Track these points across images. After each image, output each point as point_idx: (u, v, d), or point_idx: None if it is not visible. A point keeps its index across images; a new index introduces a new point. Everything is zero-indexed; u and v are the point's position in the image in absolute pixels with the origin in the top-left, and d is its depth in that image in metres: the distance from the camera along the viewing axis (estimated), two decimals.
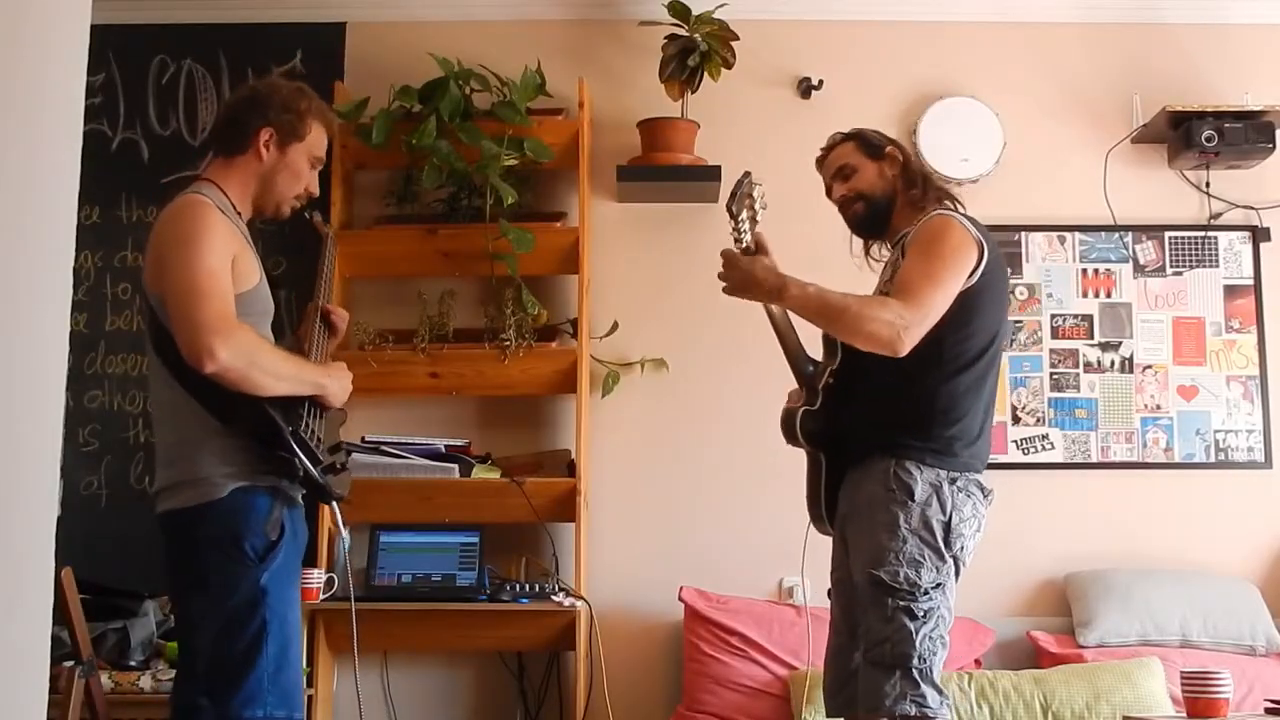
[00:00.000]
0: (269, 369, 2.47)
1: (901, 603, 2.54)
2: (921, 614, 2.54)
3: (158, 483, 2.56)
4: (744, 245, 2.69)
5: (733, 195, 2.67)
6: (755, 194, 2.68)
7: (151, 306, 2.54)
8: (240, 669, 2.43)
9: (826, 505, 2.79)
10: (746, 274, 2.66)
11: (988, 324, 2.70)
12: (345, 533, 2.64)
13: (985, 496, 2.68)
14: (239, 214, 2.65)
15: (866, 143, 2.90)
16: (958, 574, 2.63)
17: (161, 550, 2.54)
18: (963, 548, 2.62)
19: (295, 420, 2.52)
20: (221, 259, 2.48)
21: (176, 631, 2.64)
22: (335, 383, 2.64)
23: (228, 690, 2.43)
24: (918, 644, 2.53)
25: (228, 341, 2.39)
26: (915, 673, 2.52)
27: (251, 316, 2.54)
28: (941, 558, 2.58)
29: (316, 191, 2.76)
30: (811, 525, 2.88)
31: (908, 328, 2.54)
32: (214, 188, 2.62)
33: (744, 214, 2.67)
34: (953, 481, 2.62)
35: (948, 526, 2.59)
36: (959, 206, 2.82)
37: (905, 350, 2.55)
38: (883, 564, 2.57)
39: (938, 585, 2.57)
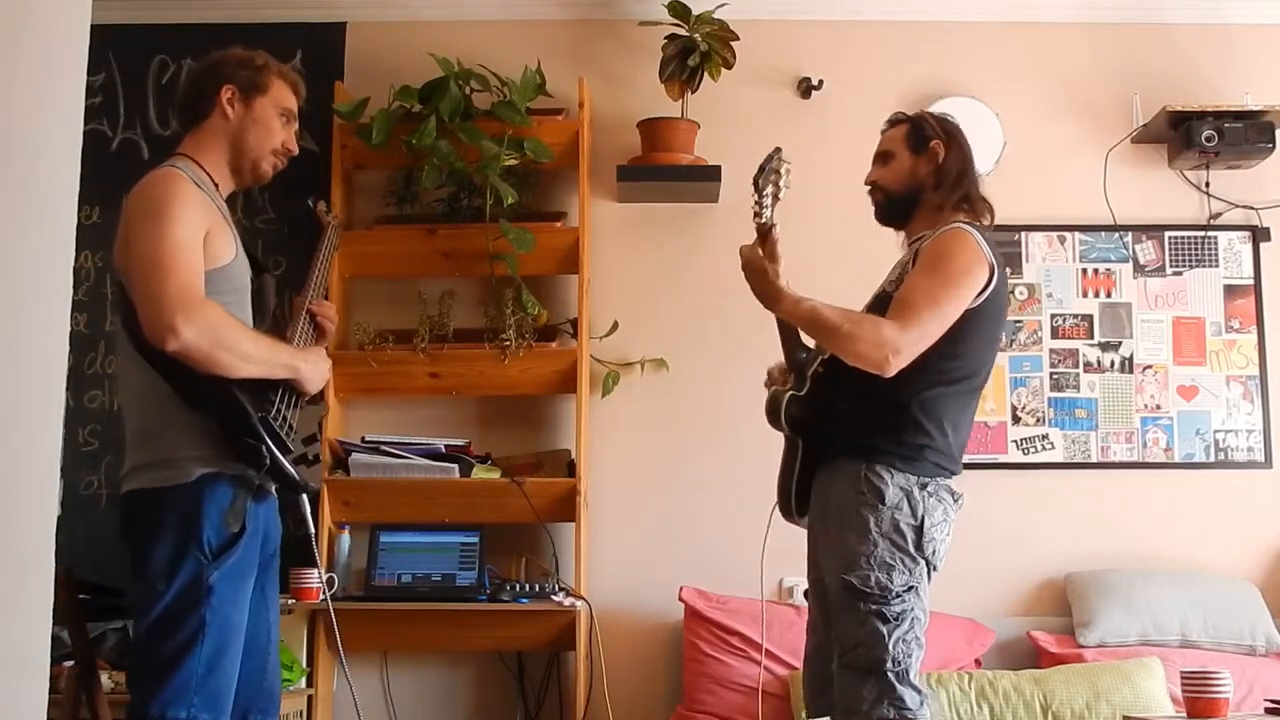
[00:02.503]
0: (236, 349, 2.38)
1: (874, 606, 2.55)
2: (894, 617, 2.54)
3: (125, 467, 2.47)
4: (763, 221, 2.67)
5: (761, 169, 2.65)
6: (782, 170, 2.67)
7: (121, 285, 2.46)
8: (169, 665, 2.33)
9: (797, 495, 2.78)
10: (751, 272, 2.66)
11: (980, 349, 2.69)
12: (312, 526, 2.58)
13: (955, 501, 2.68)
14: (217, 187, 2.58)
15: (917, 134, 2.84)
16: (930, 576, 2.63)
17: (117, 532, 2.44)
18: (934, 551, 2.61)
19: (265, 406, 2.43)
20: (190, 233, 2.40)
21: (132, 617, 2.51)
22: (310, 367, 2.55)
23: (152, 685, 2.34)
24: (890, 647, 2.53)
25: (191, 319, 2.31)
26: (891, 675, 2.53)
27: (223, 295, 2.45)
28: (914, 559, 2.58)
29: (295, 148, 2.69)
30: (779, 513, 2.86)
31: (898, 352, 2.54)
32: (189, 161, 2.57)
33: (768, 189, 2.66)
34: (923, 487, 2.61)
35: (919, 530, 2.58)
36: (984, 220, 2.79)
37: (893, 372, 2.55)
38: (854, 568, 2.57)
39: (910, 588, 2.57)
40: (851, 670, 2.56)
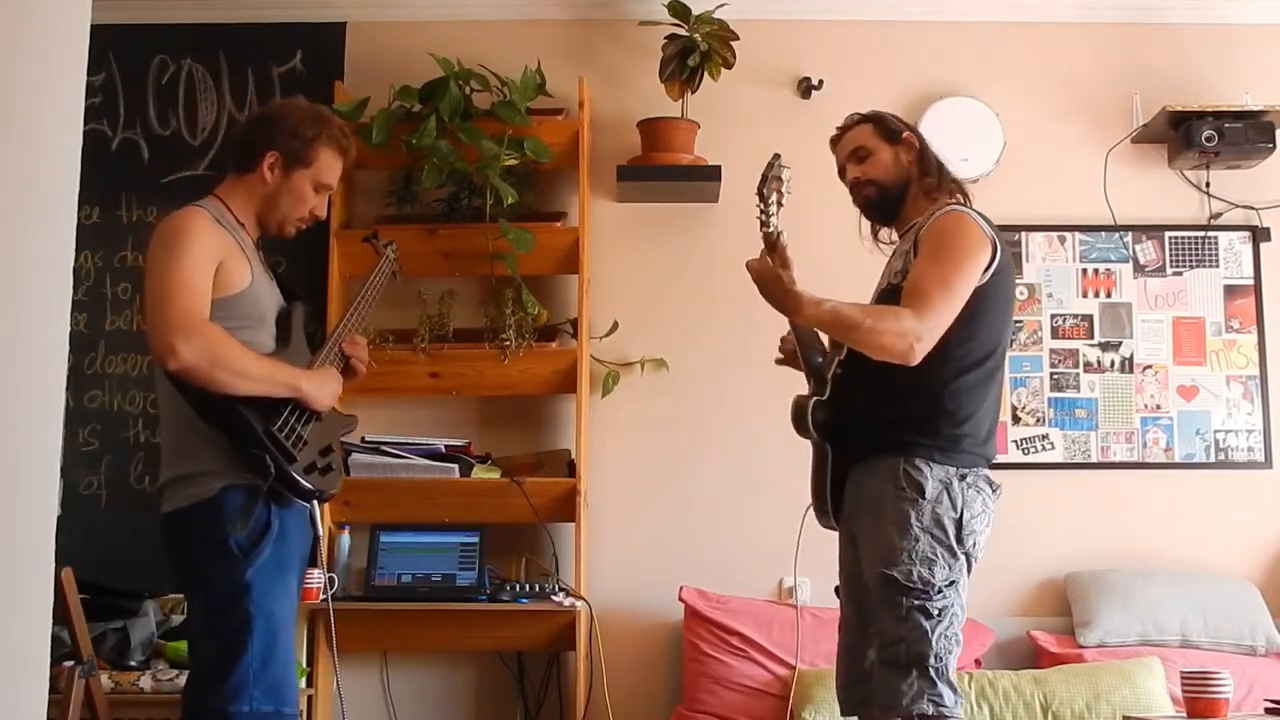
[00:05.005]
0: (235, 368, 2.49)
1: (916, 601, 2.53)
2: (936, 612, 2.53)
3: (160, 478, 2.62)
4: (770, 230, 2.67)
5: (764, 179, 2.65)
6: (784, 176, 2.67)
7: None
8: (226, 663, 2.46)
9: (832, 498, 2.77)
10: (766, 285, 2.63)
11: (995, 324, 2.69)
12: (320, 530, 2.69)
13: (994, 491, 2.67)
14: (242, 226, 2.68)
15: (884, 126, 2.87)
16: (969, 570, 2.62)
17: (164, 552, 2.58)
18: (975, 544, 2.61)
19: (272, 419, 2.53)
20: (199, 262, 2.52)
21: (186, 631, 2.67)
22: (316, 386, 2.64)
23: (214, 684, 2.47)
24: (934, 643, 2.51)
25: (190, 340, 2.43)
26: (932, 671, 2.51)
27: (237, 319, 2.57)
28: (954, 555, 2.57)
29: (322, 215, 2.80)
30: (815, 518, 2.84)
31: (920, 339, 2.54)
32: (216, 201, 2.69)
33: (773, 197, 2.66)
34: (962, 478, 2.60)
35: (959, 523, 2.58)
36: (969, 200, 2.81)
37: (917, 360, 2.55)
38: (895, 563, 2.55)
39: (951, 583, 2.56)
40: (892, 666, 2.53)
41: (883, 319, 2.58)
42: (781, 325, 2.88)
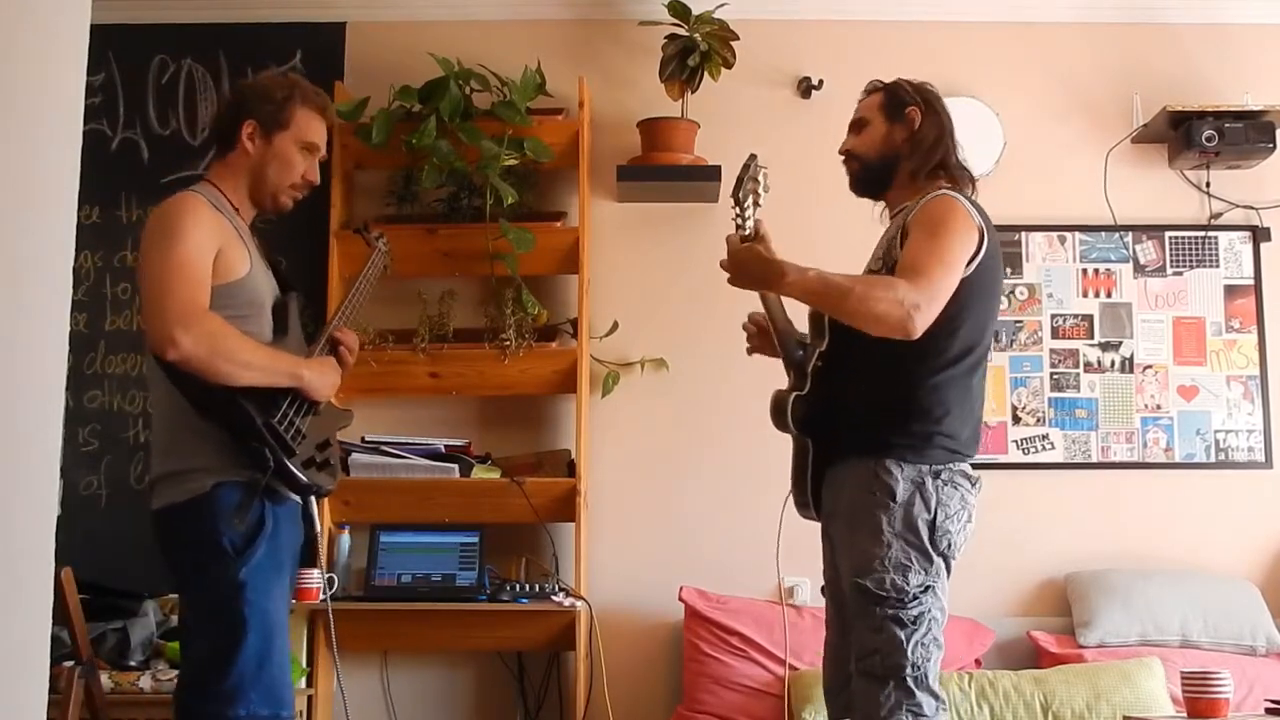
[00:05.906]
0: (235, 357, 2.45)
1: (890, 611, 2.48)
2: (911, 620, 2.48)
3: (150, 474, 2.58)
4: (745, 232, 2.65)
5: (738, 182, 2.62)
6: (760, 178, 2.64)
7: None
8: (220, 665, 2.41)
9: (812, 492, 2.73)
10: (743, 262, 2.60)
11: (980, 318, 2.62)
12: (318, 526, 2.66)
13: (974, 486, 2.60)
14: (237, 211, 2.65)
15: (893, 100, 2.78)
16: (949, 571, 2.57)
17: (158, 549, 2.55)
18: (950, 544, 2.55)
19: (271, 412, 2.50)
20: (198, 250, 2.48)
21: (179, 632, 2.65)
22: (316, 375, 2.61)
23: (209, 687, 2.42)
24: (909, 652, 2.47)
25: (190, 330, 2.39)
26: (910, 681, 2.47)
27: (236, 309, 2.53)
28: (928, 558, 2.52)
29: (316, 179, 2.73)
30: (796, 511, 2.81)
31: (918, 306, 2.44)
32: (210, 186, 2.65)
33: (748, 200, 2.63)
34: (936, 475, 2.54)
35: (933, 525, 2.52)
36: (966, 188, 2.73)
37: (919, 331, 2.45)
38: (868, 571, 2.51)
39: (926, 588, 2.51)
40: (869, 677, 2.50)
41: (875, 286, 2.49)
42: None
